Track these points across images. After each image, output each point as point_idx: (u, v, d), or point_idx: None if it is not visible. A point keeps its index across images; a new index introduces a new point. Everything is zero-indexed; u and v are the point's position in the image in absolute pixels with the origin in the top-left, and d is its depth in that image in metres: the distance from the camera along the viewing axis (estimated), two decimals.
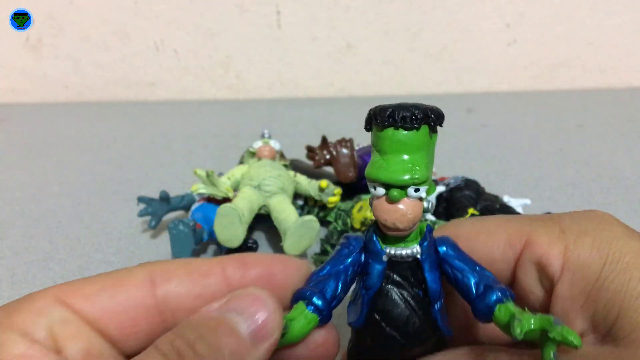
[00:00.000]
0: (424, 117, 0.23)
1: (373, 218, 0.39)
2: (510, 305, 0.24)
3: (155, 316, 0.22)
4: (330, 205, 0.54)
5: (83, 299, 0.21)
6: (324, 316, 0.25)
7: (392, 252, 0.26)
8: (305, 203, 0.58)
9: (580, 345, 0.22)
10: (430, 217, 0.54)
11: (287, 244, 0.47)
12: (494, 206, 0.53)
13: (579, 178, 0.67)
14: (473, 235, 0.26)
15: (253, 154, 0.56)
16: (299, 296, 0.25)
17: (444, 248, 0.26)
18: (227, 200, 0.51)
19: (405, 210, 0.24)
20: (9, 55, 1.02)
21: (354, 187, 0.57)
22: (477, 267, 0.26)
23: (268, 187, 0.51)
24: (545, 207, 0.59)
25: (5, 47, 1.01)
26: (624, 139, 0.80)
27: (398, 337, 0.27)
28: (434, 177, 0.59)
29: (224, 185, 0.51)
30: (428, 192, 0.24)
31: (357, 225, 0.51)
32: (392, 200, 0.24)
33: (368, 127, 0.24)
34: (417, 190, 0.23)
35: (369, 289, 0.26)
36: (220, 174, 0.55)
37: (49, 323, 0.20)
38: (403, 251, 0.26)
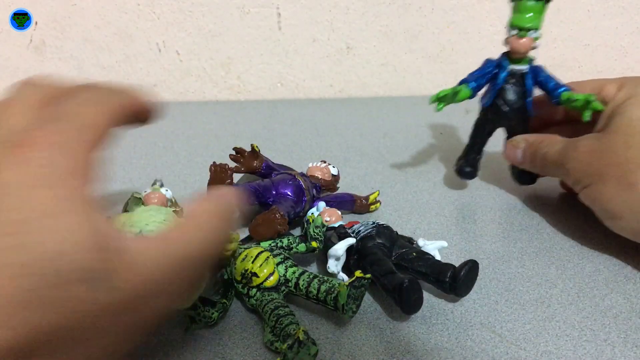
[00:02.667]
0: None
1: (253, 270, 0.43)
2: (570, 92, 0.53)
3: None
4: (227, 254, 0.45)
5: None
6: (473, 91, 0.56)
7: (513, 67, 0.55)
8: None
9: (603, 109, 0.50)
10: (342, 275, 0.46)
11: None
12: (409, 254, 0.47)
13: None
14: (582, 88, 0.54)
15: (139, 201, 0.50)
16: (464, 81, 0.56)
17: (539, 67, 0.56)
18: None
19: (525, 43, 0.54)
20: (12, 57, 1.03)
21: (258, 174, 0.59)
22: (555, 78, 0.55)
23: (151, 233, 0.42)
24: (541, 207, 0.60)
25: (9, 48, 1.02)
26: None
27: (508, 110, 0.56)
28: (340, 222, 0.51)
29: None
30: (536, 38, 0.54)
31: (238, 277, 0.44)
32: (519, 37, 0.53)
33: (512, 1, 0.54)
34: (531, 33, 0.53)
35: (497, 85, 0.56)
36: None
37: None
38: (517, 67, 0.55)
